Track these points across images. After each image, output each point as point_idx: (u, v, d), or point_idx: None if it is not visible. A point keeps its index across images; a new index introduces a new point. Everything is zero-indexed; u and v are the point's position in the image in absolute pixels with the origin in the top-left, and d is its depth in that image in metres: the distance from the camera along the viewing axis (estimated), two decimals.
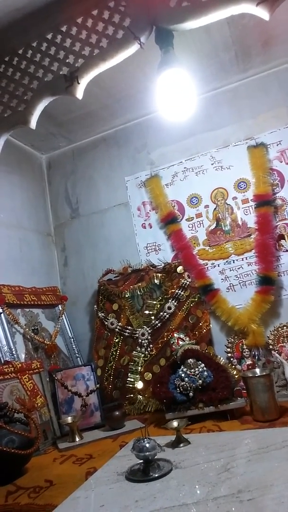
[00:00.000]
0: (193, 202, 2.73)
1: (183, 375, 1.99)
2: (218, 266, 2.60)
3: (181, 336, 2.23)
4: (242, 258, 2.55)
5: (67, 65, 1.79)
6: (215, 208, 2.67)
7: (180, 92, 1.89)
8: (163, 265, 2.67)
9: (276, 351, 2.24)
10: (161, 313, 2.53)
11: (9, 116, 1.90)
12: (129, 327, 2.57)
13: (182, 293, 2.54)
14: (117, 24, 1.70)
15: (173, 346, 2.19)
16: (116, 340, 2.58)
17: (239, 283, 2.54)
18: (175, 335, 2.23)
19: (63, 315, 2.73)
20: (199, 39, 2.25)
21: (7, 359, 2.11)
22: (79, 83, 1.75)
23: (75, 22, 1.76)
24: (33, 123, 1.87)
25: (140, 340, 2.52)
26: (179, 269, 2.59)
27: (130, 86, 2.54)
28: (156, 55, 1.79)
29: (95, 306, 2.70)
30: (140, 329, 2.54)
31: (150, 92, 2.33)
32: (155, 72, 1.82)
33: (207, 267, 2.62)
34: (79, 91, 1.77)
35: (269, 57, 2.52)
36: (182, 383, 1.96)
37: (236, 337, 2.42)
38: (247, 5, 1.51)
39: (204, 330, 2.45)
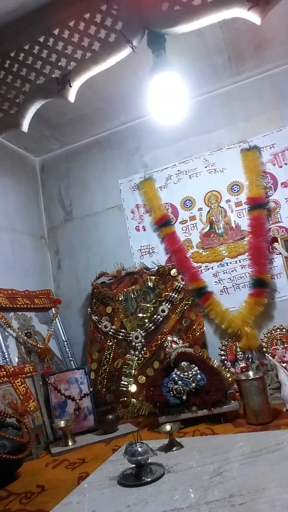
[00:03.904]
0: (187, 205, 2.74)
1: (176, 378, 1.99)
2: (212, 268, 2.61)
3: (175, 339, 2.22)
4: (236, 261, 2.56)
5: (59, 68, 1.78)
6: (208, 211, 2.68)
7: (173, 95, 1.89)
8: (156, 268, 2.66)
9: (270, 354, 2.24)
10: (155, 316, 2.52)
11: (0, 119, 1.90)
12: (123, 330, 2.56)
13: (176, 296, 2.53)
14: (109, 27, 1.70)
15: (167, 349, 2.18)
16: (110, 343, 2.57)
17: (233, 285, 2.55)
18: (169, 338, 2.22)
19: (56, 318, 2.72)
20: (192, 43, 2.26)
21: None
22: (71, 86, 1.75)
23: (67, 25, 1.76)
24: (25, 126, 1.86)
25: (133, 343, 2.51)
26: (173, 272, 2.59)
27: (123, 89, 2.54)
28: (149, 58, 1.80)
29: (89, 309, 2.70)
30: (133, 332, 2.53)
31: (143, 95, 2.32)
32: (148, 75, 1.82)
33: (201, 270, 2.62)
34: (71, 94, 1.77)
35: (262, 61, 2.54)
36: (176, 386, 1.96)
37: (229, 339, 2.43)
38: (239, 9, 1.52)
39: (198, 333, 2.45)
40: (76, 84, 1.76)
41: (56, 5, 1.74)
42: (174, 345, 2.16)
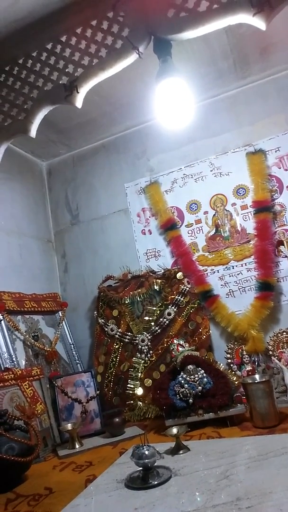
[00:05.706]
0: (193, 209, 2.75)
1: (182, 381, 1.99)
2: (218, 272, 2.61)
3: (181, 342, 2.23)
4: (242, 264, 2.56)
5: (67, 75, 1.80)
6: (214, 214, 2.69)
7: (178, 100, 1.90)
8: (162, 271, 2.67)
9: (276, 357, 2.24)
10: (161, 319, 2.53)
11: (9, 124, 1.92)
12: (129, 333, 2.57)
13: (182, 299, 2.54)
14: (116, 34, 1.72)
15: (173, 352, 2.19)
16: (116, 346, 2.58)
17: (239, 289, 2.55)
18: (175, 341, 2.23)
19: (63, 322, 2.74)
20: (198, 48, 2.27)
21: (7, 366, 2.11)
22: (78, 92, 1.76)
23: (74, 32, 1.78)
24: (33, 132, 1.88)
25: (140, 346, 2.52)
26: (179, 275, 2.59)
27: (129, 94, 2.57)
28: (155, 64, 1.81)
29: (95, 312, 2.71)
30: (140, 335, 2.54)
31: (149, 100, 2.34)
32: (154, 80, 1.83)
33: (207, 273, 2.62)
34: (79, 100, 1.79)
35: (267, 65, 2.55)
36: (182, 389, 1.96)
37: (235, 343, 2.43)
38: (244, 15, 1.52)
39: (204, 336, 2.45)
40: (83, 90, 1.78)
41: (64, 13, 1.76)
42: (180, 348, 2.17)
